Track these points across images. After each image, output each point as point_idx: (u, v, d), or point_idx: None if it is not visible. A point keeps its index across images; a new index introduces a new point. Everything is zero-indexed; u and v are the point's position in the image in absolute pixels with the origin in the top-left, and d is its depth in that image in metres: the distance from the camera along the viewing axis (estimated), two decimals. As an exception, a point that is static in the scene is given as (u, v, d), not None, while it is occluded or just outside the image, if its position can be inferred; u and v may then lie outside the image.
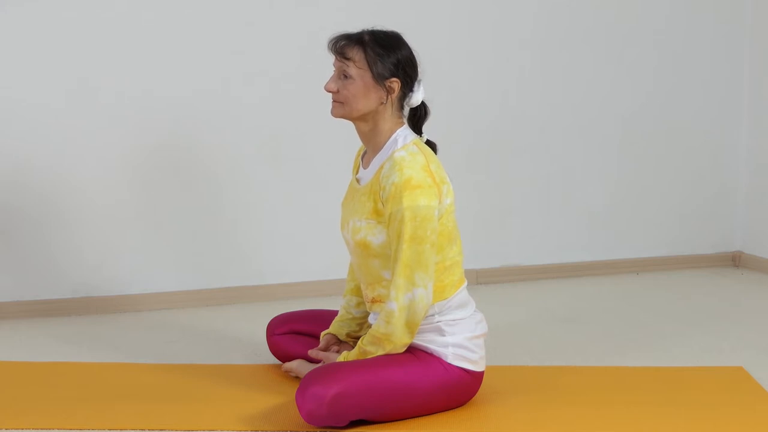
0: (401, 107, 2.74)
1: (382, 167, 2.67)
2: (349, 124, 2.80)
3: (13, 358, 3.25)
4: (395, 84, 2.69)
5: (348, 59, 2.69)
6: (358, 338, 2.95)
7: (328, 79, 2.74)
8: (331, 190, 4.04)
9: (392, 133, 2.72)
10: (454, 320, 2.70)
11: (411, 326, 2.62)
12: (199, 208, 3.98)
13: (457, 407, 2.74)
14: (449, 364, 2.67)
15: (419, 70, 2.74)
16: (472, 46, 4.29)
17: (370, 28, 2.75)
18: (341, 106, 2.72)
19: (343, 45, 2.71)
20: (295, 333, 3.05)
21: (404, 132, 2.72)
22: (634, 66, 4.55)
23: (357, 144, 2.88)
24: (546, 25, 4.39)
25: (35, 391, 2.88)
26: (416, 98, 2.74)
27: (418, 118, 2.78)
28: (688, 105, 4.66)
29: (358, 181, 2.80)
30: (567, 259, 4.52)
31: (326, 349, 2.93)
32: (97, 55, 3.78)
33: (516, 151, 4.40)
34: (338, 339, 2.97)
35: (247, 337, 3.44)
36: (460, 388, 2.70)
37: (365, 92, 2.68)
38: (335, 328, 2.97)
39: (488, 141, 4.34)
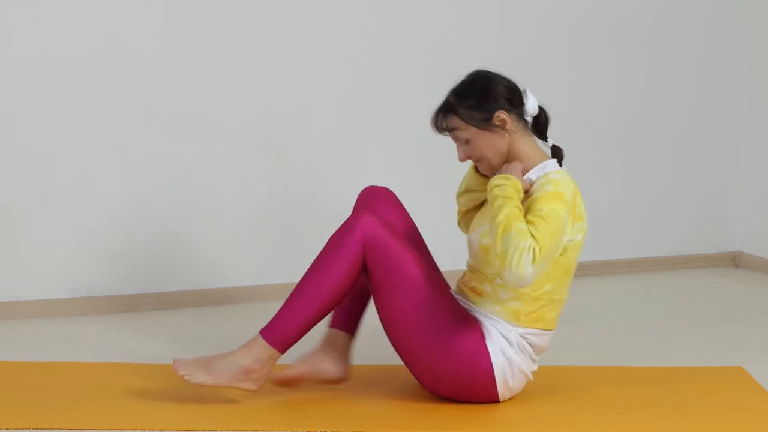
0: (526, 124, 2.77)
1: (532, 184, 2.69)
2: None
3: (13, 358, 3.24)
4: (502, 115, 2.71)
5: (453, 130, 2.75)
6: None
7: (456, 150, 2.77)
8: (331, 190, 4.06)
9: (536, 156, 2.75)
10: (523, 348, 2.70)
11: (503, 244, 2.53)
12: (198, 208, 3.97)
13: (450, 394, 2.73)
14: (489, 355, 2.66)
15: (515, 84, 2.76)
16: (472, 45, 4.29)
17: (453, 87, 2.77)
18: (482, 164, 2.78)
19: (441, 120, 2.76)
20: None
21: (553, 163, 2.76)
22: (634, 66, 4.55)
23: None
24: (546, 25, 4.39)
25: (35, 391, 2.88)
26: (531, 106, 2.77)
27: (540, 124, 2.81)
28: (688, 105, 4.66)
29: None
30: (567, 259, 4.51)
31: None
32: (97, 54, 3.78)
33: (516, 151, 4.39)
34: None
35: (246, 338, 3.44)
36: (472, 377, 2.68)
37: (487, 143, 2.73)
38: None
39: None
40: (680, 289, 4.32)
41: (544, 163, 2.76)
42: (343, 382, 2.82)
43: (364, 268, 2.68)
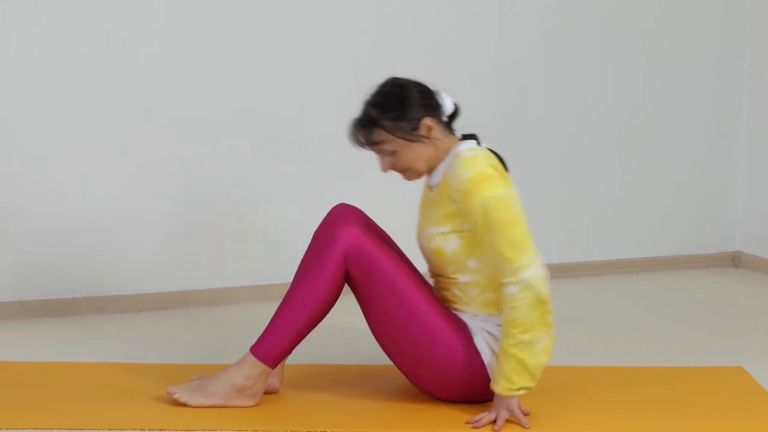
0: (445, 125, 2.74)
1: (448, 171, 2.68)
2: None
3: (13, 358, 3.24)
4: (427, 121, 2.68)
5: (377, 143, 2.69)
6: None
7: (379, 162, 2.74)
8: (331, 190, 4.05)
9: (453, 148, 2.72)
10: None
11: (540, 304, 2.57)
12: (199, 208, 3.97)
13: (447, 396, 2.73)
14: (479, 354, 2.66)
15: (430, 87, 2.73)
16: (472, 45, 4.29)
17: (368, 99, 2.72)
18: (409, 173, 2.74)
19: (363, 135, 2.70)
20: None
21: (467, 143, 2.74)
22: (634, 66, 4.55)
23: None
24: (546, 25, 4.39)
25: (35, 391, 2.88)
26: (448, 106, 2.74)
27: (451, 119, 2.78)
28: (688, 105, 4.66)
29: (429, 188, 2.80)
30: (567, 259, 4.52)
31: None
32: (97, 54, 3.78)
33: (516, 151, 4.37)
34: None
35: (247, 337, 3.44)
36: (467, 378, 2.67)
37: (414, 152, 2.69)
38: None
39: (488, 141, 4.32)
40: (680, 289, 4.32)
41: (457, 145, 2.72)
42: (276, 392, 2.85)
43: (348, 279, 2.68)
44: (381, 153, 2.72)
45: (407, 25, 4.17)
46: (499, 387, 2.60)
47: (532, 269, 2.56)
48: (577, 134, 4.51)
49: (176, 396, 2.71)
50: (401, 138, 2.66)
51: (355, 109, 4.08)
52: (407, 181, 2.80)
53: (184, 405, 2.70)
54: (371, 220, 2.92)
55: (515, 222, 2.59)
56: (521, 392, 2.60)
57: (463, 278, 2.70)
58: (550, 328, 2.62)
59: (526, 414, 2.64)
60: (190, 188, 3.96)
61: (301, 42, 4.03)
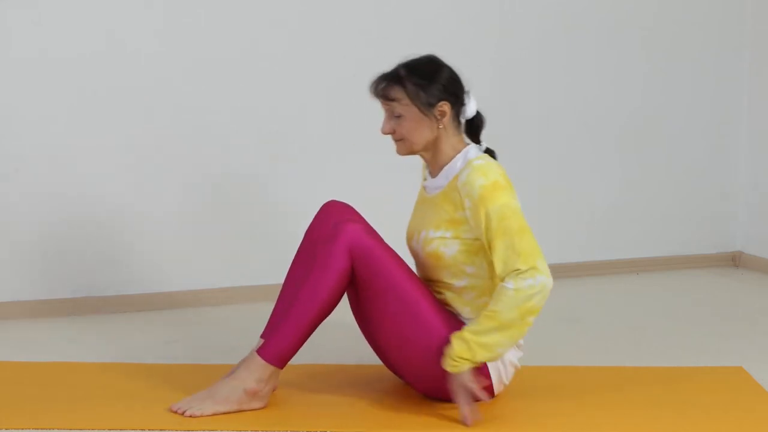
0: (459, 124, 2.76)
1: (457, 177, 2.68)
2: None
3: (13, 358, 3.25)
4: (445, 107, 2.70)
5: (392, 100, 2.71)
6: None
7: (383, 121, 2.75)
8: (331, 190, 4.05)
9: (457, 151, 2.73)
10: None
11: (523, 312, 2.55)
12: (199, 208, 3.97)
13: (448, 396, 2.71)
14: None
15: (464, 83, 2.76)
16: (472, 45, 4.29)
17: (404, 61, 2.76)
18: (402, 144, 2.74)
19: (384, 87, 2.72)
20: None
21: (473, 148, 2.75)
22: (634, 66, 4.55)
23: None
24: (546, 25, 4.39)
25: (35, 391, 2.88)
26: (470, 110, 2.76)
27: (475, 127, 2.79)
28: (688, 105, 4.66)
29: (425, 189, 2.80)
30: (567, 259, 4.52)
31: None
32: (97, 54, 3.78)
33: (515, 151, 4.39)
34: None
35: (247, 337, 3.44)
36: None
37: (419, 126, 2.70)
38: None
39: (487, 141, 4.32)
40: (680, 289, 4.32)
41: (466, 149, 2.74)
42: (274, 392, 2.81)
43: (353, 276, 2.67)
44: (389, 112, 2.74)
45: (407, 25, 4.17)
46: (444, 364, 2.59)
47: (542, 277, 2.58)
48: (577, 134, 4.51)
49: (188, 413, 2.64)
50: (415, 105, 2.69)
51: (355, 108, 4.10)
52: (398, 155, 2.78)
53: (200, 417, 2.64)
54: (362, 216, 2.91)
55: (529, 231, 2.62)
56: (465, 366, 2.58)
57: (459, 283, 2.70)
58: (516, 339, 2.60)
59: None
60: (189, 188, 3.96)
61: (301, 42, 4.04)
